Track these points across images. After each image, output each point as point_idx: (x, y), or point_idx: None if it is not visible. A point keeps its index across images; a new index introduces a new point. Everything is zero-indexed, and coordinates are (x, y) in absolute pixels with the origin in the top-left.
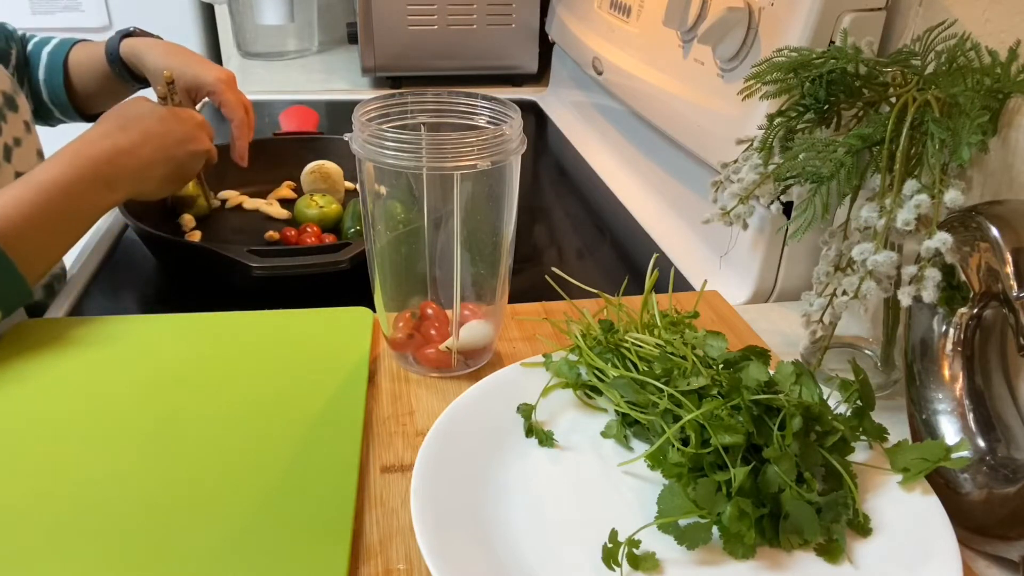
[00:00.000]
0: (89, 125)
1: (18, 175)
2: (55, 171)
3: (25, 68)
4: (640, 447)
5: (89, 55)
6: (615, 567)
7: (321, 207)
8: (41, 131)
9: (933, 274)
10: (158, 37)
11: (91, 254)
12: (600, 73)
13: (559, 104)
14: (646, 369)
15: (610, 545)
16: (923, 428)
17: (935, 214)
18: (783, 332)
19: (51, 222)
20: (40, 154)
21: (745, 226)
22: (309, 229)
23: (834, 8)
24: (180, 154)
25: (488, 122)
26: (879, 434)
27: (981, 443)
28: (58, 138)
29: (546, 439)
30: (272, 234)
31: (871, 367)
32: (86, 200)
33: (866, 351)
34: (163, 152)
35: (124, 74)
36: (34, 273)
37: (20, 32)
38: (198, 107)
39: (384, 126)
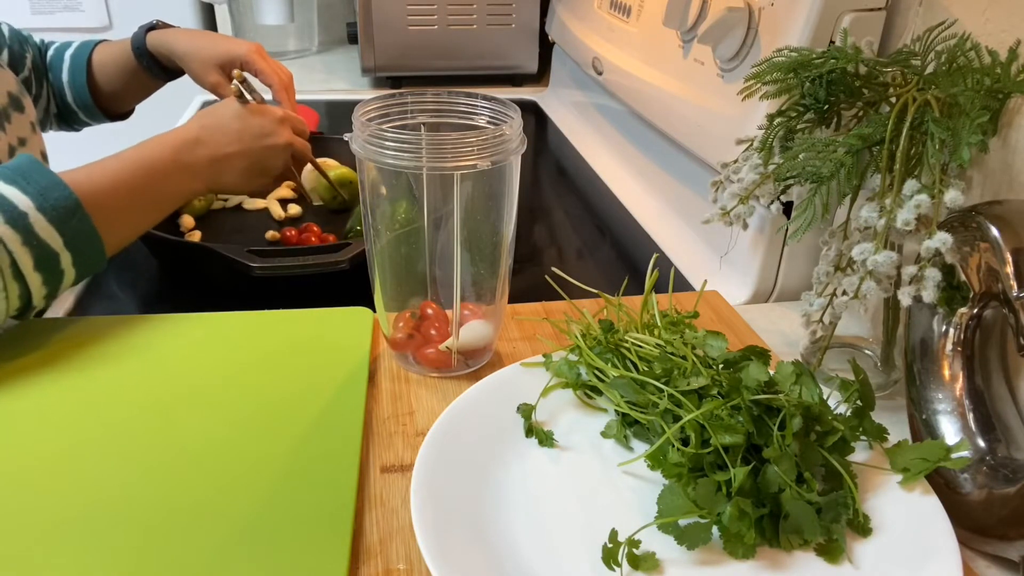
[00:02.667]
0: (114, 125)
1: None
2: (142, 151)
3: (45, 72)
4: (640, 447)
5: (113, 53)
6: (615, 567)
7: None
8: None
9: (933, 274)
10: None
11: None
12: (600, 73)
13: (559, 104)
14: (646, 369)
15: (610, 545)
16: (923, 428)
17: (935, 214)
18: (783, 332)
19: (135, 197)
20: (44, 156)
21: (745, 226)
22: (311, 229)
23: (834, 8)
24: (257, 148)
25: (488, 122)
26: (879, 434)
27: (981, 443)
28: (60, 142)
29: (546, 439)
30: (272, 234)
31: (871, 367)
32: (169, 183)
33: (866, 351)
34: (240, 145)
35: (153, 67)
36: (111, 243)
37: (39, 39)
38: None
39: (384, 126)
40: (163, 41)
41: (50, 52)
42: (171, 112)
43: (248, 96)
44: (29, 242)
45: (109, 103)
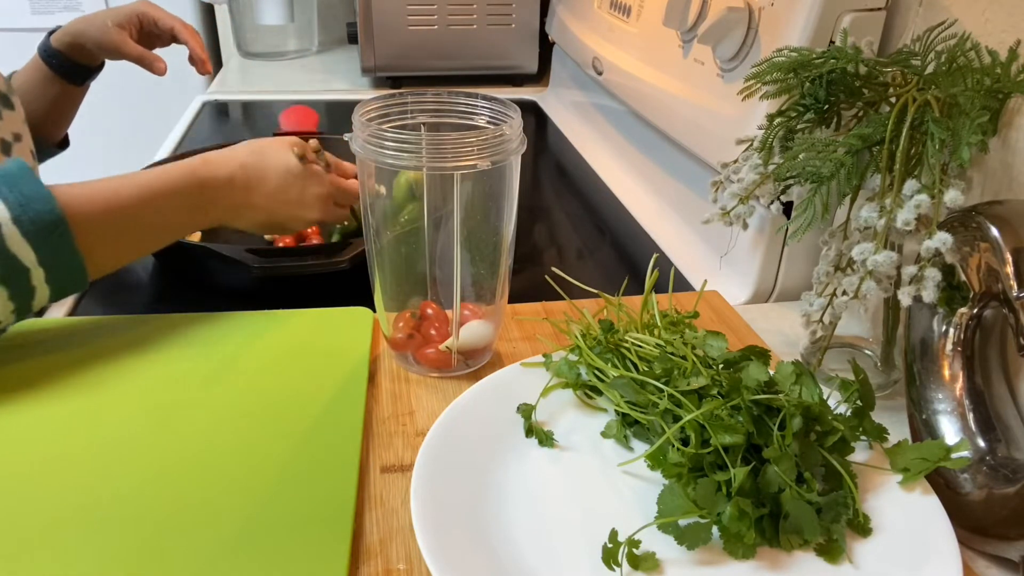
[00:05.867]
0: (59, 153)
1: None
2: (164, 175)
3: None
4: (640, 447)
5: (27, 72)
6: (615, 567)
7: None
8: None
9: (933, 274)
10: None
11: None
12: (600, 73)
13: (559, 104)
14: (646, 369)
15: (610, 545)
16: (923, 428)
17: (935, 214)
18: (783, 332)
19: (134, 221)
20: (33, 154)
21: (745, 226)
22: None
23: (834, 8)
24: (284, 212)
25: (488, 122)
26: (879, 434)
27: (981, 443)
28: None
29: (546, 439)
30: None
31: (871, 367)
32: (179, 214)
33: (866, 351)
34: (270, 202)
35: (65, 66)
36: (99, 265)
37: None
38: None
39: (384, 126)
40: (62, 31)
41: None
42: (172, 113)
43: (312, 157)
44: None
45: (44, 130)
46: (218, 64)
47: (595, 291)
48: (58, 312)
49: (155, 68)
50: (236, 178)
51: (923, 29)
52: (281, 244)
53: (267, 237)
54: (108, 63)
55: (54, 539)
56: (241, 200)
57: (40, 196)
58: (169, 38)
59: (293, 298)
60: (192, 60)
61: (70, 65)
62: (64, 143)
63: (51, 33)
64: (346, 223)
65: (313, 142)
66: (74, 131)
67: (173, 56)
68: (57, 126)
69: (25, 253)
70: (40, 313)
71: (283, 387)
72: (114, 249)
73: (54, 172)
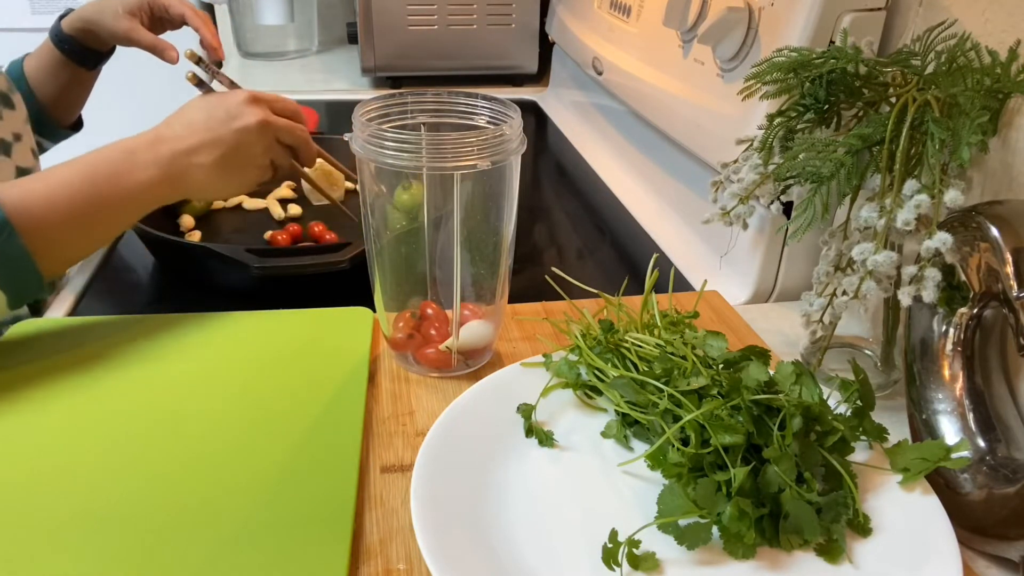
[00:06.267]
0: (72, 135)
1: (19, 169)
2: (92, 156)
3: None
4: (640, 447)
5: (39, 56)
6: (615, 567)
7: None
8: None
9: (933, 274)
10: None
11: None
12: (600, 73)
13: (559, 104)
14: (646, 369)
15: (610, 545)
16: (923, 428)
17: (935, 214)
18: (783, 332)
19: (82, 208)
20: (34, 152)
21: (745, 226)
22: (311, 229)
23: (834, 8)
24: (226, 133)
25: (488, 122)
26: (879, 434)
27: (981, 443)
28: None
29: (546, 439)
30: (272, 234)
31: (871, 367)
32: (124, 189)
33: (866, 351)
34: (206, 135)
35: (77, 51)
36: (56, 260)
37: None
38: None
39: (384, 126)
40: (74, 16)
41: None
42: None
43: (206, 78)
44: None
45: (56, 113)
46: (218, 64)
47: (595, 291)
48: (58, 312)
49: (167, 56)
50: (161, 131)
51: (923, 29)
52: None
53: (245, 203)
54: (119, 51)
55: (55, 539)
56: (177, 148)
57: None
58: (180, 23)
59: (293, 298)
60: (203, 45)
61: (81, 50)
62: (77, 125)
63: (62, 17)
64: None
65: (188, 51)
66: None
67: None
68: (69, 110)
69: None
70: (40, 313)
71: (283, 387)
72: (70, 241)
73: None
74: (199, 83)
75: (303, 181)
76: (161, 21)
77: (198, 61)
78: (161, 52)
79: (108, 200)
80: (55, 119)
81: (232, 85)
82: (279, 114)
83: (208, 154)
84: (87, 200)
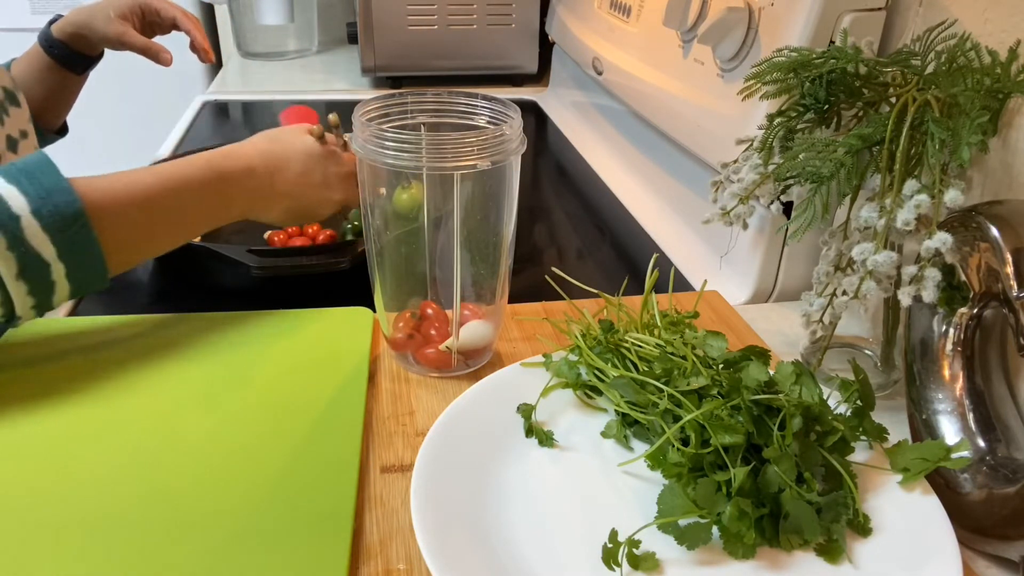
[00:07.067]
0: (58, 140)
1: None
2: (182, 167)
3: None
4: (640, 447)
5: (29, 62)
6: (615, 567)
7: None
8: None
9: (933, 274)
10: None
11: None
12: (600, 73)
13: (559, 104)
14: (646, 369)
15: (610, 545)
16: (923, 428)
17: (935, 214)
18: (783, 332)
19: (157, 216)
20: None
21: (745, 226)
22: (310, 230)
23: (834, 8)
24: (311, 197)
25: (488, 122)
26: (879, 434)
27: (981, 443)
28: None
29: (546, 439)
30: (271, 234)
31: (871, 367)
32: (202, 207)
33: (866, 351)
34: (295, 188)
35: (66, 55)
36: (119, 261)
37: None
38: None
39: (384, 126)
40: (65, 22)
41: None
42: (172, 113)
43: (329, 136)
44: (15, 247)
45: (41, 118)
46: (218, 64)
47: (595, 291)
48: (58, 312)
49: (160, 59)
50: (256, 166)
51: (923, 29)
52: (294, 238)
53: (271, 234)
54: (109, 58)
55: (53, 539)
56: (265, 188)
57: (60, 188)
58: (170, 26)
59: (293, 298)
60: (194, 48)
61: (71, 54)
62: (63, 130)
63: (51, 22)
64: (358, 222)
65: (333, 116)
66: (75, 132)
67: (175, 54)
68: (56, 114)
69: (45, 247)
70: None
71: (283, 387)
72: (137, 244)
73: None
74: (321, 135)
75: None
76: (152, 25)
77: (338, 126)
78: (155, 55)
79: (185, 217)
80: (41, 124)
81: (345, 147)
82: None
83: (287, 203)
84: (167, 211)
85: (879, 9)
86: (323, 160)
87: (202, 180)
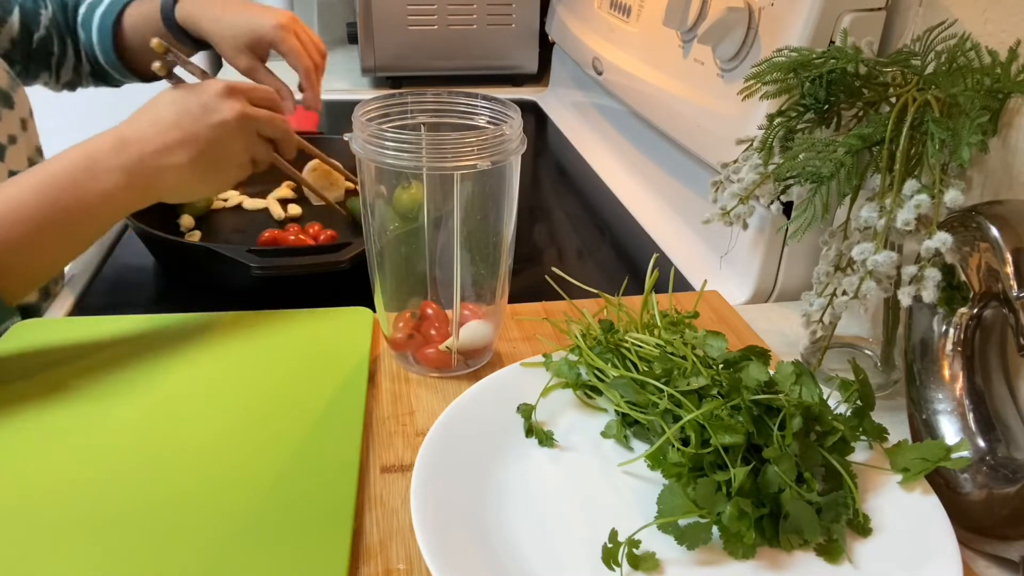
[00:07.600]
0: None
1: (12, 174)
2: (48, 167)
3: (72, 32)
4: (640, 447)
5: (145, 16)
6: (615, 567)
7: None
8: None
9: (933, 274)
10: None
11: (91, 254)
12: (600, 73)
13: (559, 104)
14: (646, 369)
15: (610, 545)
16: (923, 428)
17: (935, 214)
18: (783, 332)
19: (44, 224)
20: (40, 151)
21: (745, 226)
22: (310, 230)
23: (834, 8)
24: (200, 130)
25: (488, 122)
26: (879, 434)
27: (981, 443)
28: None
29: (546, 439)
30: (272, 234)
31: (871, 367)
32: (88, 198)
33: (866, 351)
34: (178, 132)
35: (184, 40)
36: (23, 281)
37: None
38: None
39: (384, 126)
40: (191, 15)
41: (81, 10)
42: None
43: (178, 74)
44: None
45: (140, 64)
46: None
47: (595, 291)
48: (58, 312)
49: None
50: (127, 135)
51: (923, 29)
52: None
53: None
54: None
55: (53, 540)
56: (147, 149)
57: None
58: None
59: (293, 298)
60: (301, 88)
61: (189, 40)
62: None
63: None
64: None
65: (155, 41)
66: (75, 132)
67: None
68: (136, 64)
69: None
70: (40, 313)
71: (283, 387)
72: (34, 261)
73: None
74: (168, 74)
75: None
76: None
77: (166, 51)
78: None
79: (69, 215)
80: (136, 70)
81: (204, 75)
82: (257, 104)
83: (181, 154)
84: (45, 218)
85: (879, 9)
86: (184, 93)
87: (69, 168)
